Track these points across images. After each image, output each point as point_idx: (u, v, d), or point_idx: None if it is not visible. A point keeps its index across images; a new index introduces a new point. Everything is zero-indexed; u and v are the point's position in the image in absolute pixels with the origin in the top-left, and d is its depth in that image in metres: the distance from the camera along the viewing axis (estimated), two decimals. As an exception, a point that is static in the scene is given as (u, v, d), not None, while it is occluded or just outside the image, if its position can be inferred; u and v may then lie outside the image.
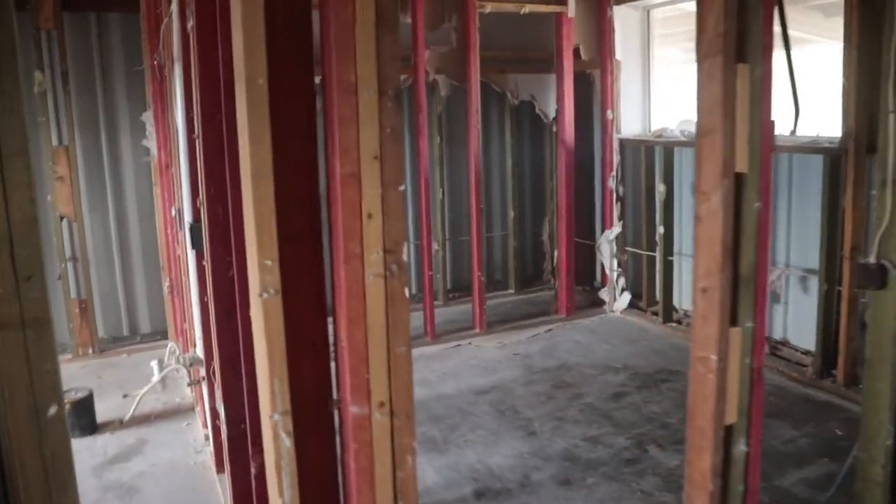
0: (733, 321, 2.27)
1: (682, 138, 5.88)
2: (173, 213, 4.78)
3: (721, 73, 2.07)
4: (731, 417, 2.35)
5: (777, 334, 5.59)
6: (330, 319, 2.03)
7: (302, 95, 1.93)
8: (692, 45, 2.26)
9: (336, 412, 2.09)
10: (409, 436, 2.10)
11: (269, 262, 1.91)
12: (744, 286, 2.27)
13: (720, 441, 2.34)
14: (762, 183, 2.22)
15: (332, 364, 2.07)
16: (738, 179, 2.19)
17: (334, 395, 2.10)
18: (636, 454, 4.14)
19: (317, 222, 1.97)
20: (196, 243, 3.38)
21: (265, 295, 1.92)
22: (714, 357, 2.25)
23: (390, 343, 1.95)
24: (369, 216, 1.92)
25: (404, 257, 1.93)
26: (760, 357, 2.39)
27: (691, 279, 2.36)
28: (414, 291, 6.95)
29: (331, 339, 2.04)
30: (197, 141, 3.10)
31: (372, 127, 1.89)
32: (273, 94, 1.88)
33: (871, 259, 2.65)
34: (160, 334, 6.16)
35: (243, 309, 2.60)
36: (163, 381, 4.84)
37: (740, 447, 2.40)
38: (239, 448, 3.04)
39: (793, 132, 3.57)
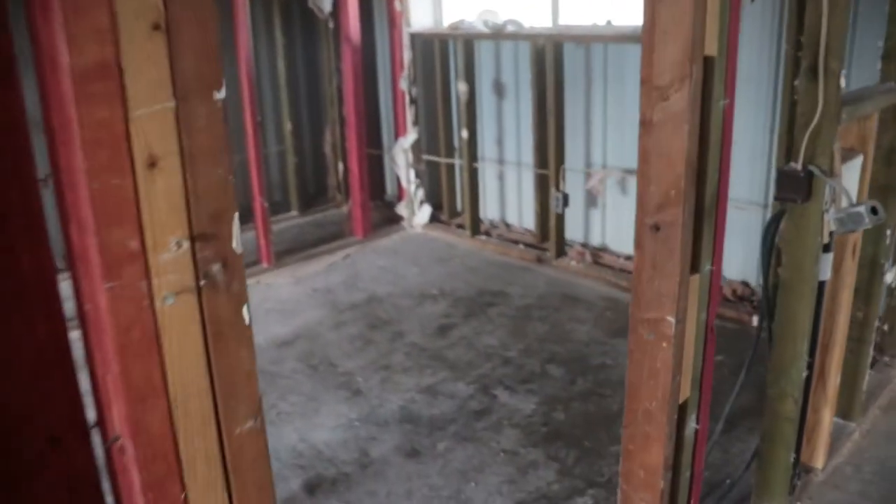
0: (693, 265, 1.65)
1: (485, 30, 5.20)
2: None
3: None
4: (685, 392, 1.77)
5: (596, 241, 5.24)
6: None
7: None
8: None
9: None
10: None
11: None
12: (706, 219, 1.64)
13: (673, 425, 1.75)
14: (729, 71, 1.58)
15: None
16: (706, 67, 1.53)
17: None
18: (484, 402, 3.56)
19: (30, 195, 1.00)
20: None
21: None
22: (671, 319, 1.62)
23: (224, 423, 1.10)
24: (151, 165, 1.01)
25: (235, 244, 1.08)
26: (716, 308, 1.81)
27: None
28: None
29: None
30: None
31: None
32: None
33: (797, 165, 2.13)
34: None
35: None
36: None
37: (691, 425, 1.84)
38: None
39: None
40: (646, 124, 1.53)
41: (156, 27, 0.94)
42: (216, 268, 1.04)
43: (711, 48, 1.48)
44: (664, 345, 1.63)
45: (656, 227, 1.58)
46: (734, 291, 4.41)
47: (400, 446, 3.25)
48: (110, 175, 0.94)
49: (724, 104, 1.55)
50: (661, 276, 1.60)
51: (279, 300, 4.90)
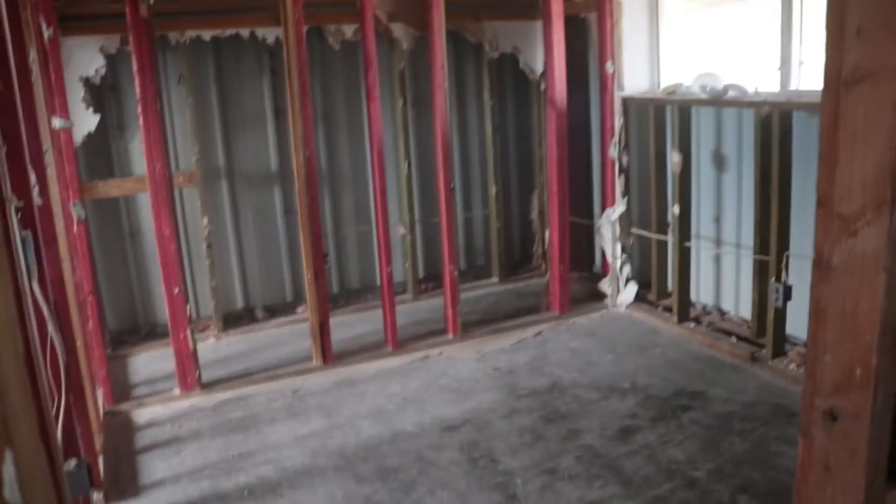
0: (893, 478, 1.12)
1: (703, 96, 4.66)
2: None
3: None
4: None
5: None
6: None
7: None
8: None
9: None
10: None
11: None
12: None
13: None
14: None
15: None
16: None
17: None
18: (654, 534, 3.01)
19: None
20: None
21: None
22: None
23: None
24: None
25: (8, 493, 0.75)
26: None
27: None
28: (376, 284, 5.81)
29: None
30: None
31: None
32: None
33: None
34: None
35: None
36: None
37: None
38: None
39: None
40: (822, 267, 1.05)
41: None
42: None
43: (932, 160, 0.97)
44: None
45: (832, 416, 1.08)
46: None
47: (543, 578, 2.79)
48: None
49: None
50: (836, 486, 1.09)
51: (456, 377, 4.61)
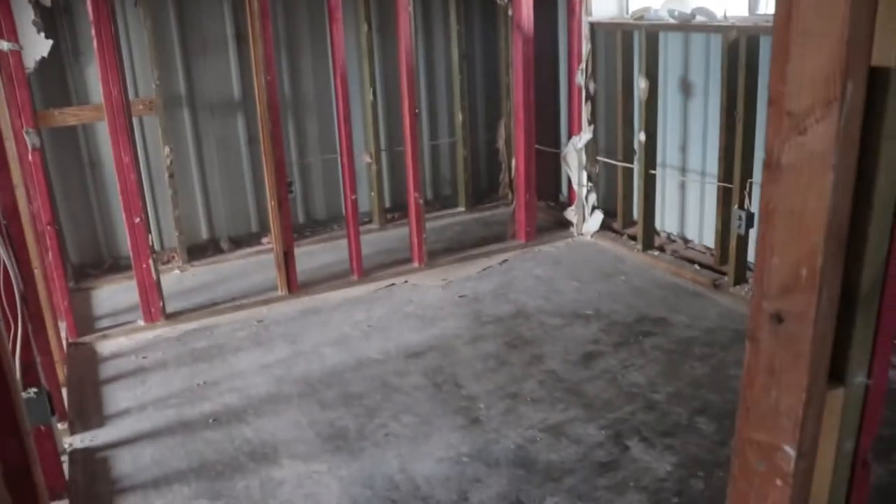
0: (835, 374, 1.13)
1: (671, 20, 4.60)
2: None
3: None
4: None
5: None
6: None
7: None
8: None
9: None
10: None
11: None
12: (861, 309, 1.12)
13: None
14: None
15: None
16: (873, 83, 1.01)
17: None
18: (613, 453, 3.06)
19: None
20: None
21: None
22: (789, 449, 1.12)
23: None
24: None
25: None
26: (870, 437, 1.27)
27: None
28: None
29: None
30: None
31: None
32: None
33: None
34: None
35: None
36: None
37: None
38: None
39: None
40: (771, 167, 1.03)
41: None
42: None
43: (884, 55, 0.95)
44: (778, 482, 1.12)
45: (778, 318, 1.07)
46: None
47: (504, 495, 2.84)
48: None
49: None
50: (779, 387, 1.09)
51: (422, 304, 4.62)
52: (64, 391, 3.71)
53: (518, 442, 3.17)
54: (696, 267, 4.80)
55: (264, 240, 5.67)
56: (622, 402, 3.43)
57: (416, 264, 5.14)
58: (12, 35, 4.04)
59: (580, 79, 5.37)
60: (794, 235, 1.02)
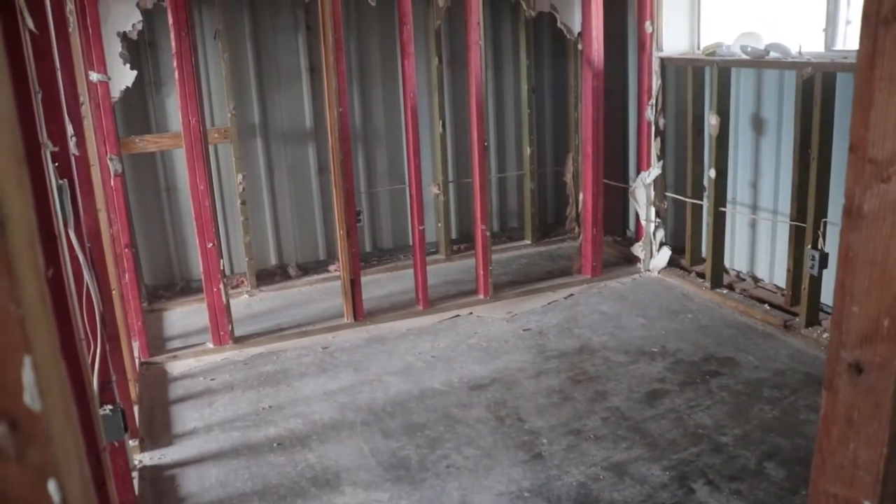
0: (916, 432, 1.11)
1: (743, 56, 4.56)
2: None
3: None
4: None
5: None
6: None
7: None
8: None
9: None
10: None
11: None
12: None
13: None
14: None
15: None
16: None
17: None
18: (677, 496, 3.00)
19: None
20: None
21: None
22: (869, 504, 1.09)
23: None
24: None
25: (29, 398, 0.69)
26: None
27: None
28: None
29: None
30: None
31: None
32: None
33: None
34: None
35: None
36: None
37: None
38: None
39: None
40: (851, 214, 1.02)
41: None
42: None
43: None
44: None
45: (858, 368, 1.06)
46: None
47: (566, 535, 2.81)
48: None
49: None
50: (858, 440, 1.07)
51: (485, 336, 4.62)
52: (135, 409, 3.82)
53: (580, 479, 3.13)
54: (766, 307, 4.70)
55: (332, 267, 5.76)
56: (687, 442, 3.36)
57: (481, 296, 5.15)
58: (102, 66, 4.23)
59: (650, 114, 5.35)
60: (876, 284, 1.01)
